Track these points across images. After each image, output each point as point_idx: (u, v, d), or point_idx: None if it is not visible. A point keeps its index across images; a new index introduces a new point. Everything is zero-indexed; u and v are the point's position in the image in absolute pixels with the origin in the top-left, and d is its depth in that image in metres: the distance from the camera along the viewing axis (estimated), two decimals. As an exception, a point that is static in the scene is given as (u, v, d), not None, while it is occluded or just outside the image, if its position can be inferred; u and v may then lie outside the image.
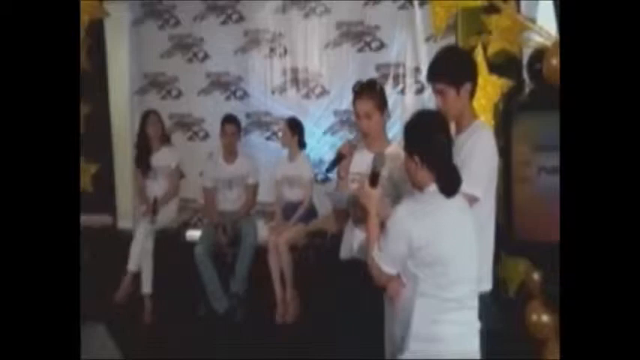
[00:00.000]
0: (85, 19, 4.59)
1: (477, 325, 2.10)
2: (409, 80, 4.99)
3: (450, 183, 2.05)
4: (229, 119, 4.48)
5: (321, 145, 5.25)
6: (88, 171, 4.85)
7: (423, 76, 4.96)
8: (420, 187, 2.10)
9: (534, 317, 3.05)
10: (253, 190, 4.57)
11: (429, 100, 4.91)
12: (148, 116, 4.63)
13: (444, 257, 2.03)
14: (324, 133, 5.24)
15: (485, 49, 3.51)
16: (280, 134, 4.81)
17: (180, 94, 5.63)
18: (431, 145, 2.07)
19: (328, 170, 2.97)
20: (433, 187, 2.06)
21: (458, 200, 2.10)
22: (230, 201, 4.50)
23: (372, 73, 5.06)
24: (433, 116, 2.22)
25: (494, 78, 3.50)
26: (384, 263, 2.10)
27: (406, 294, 2.08)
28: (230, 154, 4.50)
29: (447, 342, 2.03)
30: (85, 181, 4.83)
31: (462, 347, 2.05)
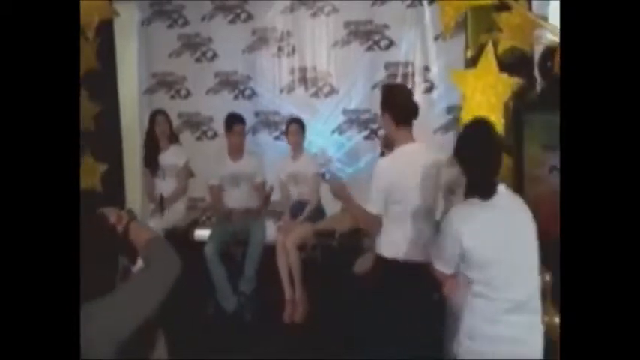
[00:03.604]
0: (94, 19, 4.59)
1: (539, 327, 2.12)
2: (418, 79, 4.98)
3: (484, 186, 2.11)
4: (237, 119, 4.45)
5: (329, 144, 5.24)
6: (97, 170, 4.85)
7: (432, 74, 4.95)
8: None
9: (546, 318, 3.02)
10: (263, 188, 4.56)
11: (438, 99, 4.90)
12: (156, 115, 4.62)
13: (495, 259, 2.06)
14: (333, 132, 5.24)
15: (495, 46, 3.48)
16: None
17: (188, 93, 5.64)
18: (475, 152, 2.16)
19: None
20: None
21: (510, 203, 2.15)
22: (236, 199, 4.49)
23: (380, 72, 5.06)
24: (481, 126, 2.28)
25: (504, 76, 3.47)
26: (439, 263, 2.19)
27: (461, 294, 2.13)
28: (237, 152, 4.49)
29: (506, 342, 2.04)
30: (95, 181, 4.83)
31: (522, 349, 2.06)
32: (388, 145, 3.15)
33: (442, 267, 2.20)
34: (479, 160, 2.14)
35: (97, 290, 1.51)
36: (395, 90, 3.06)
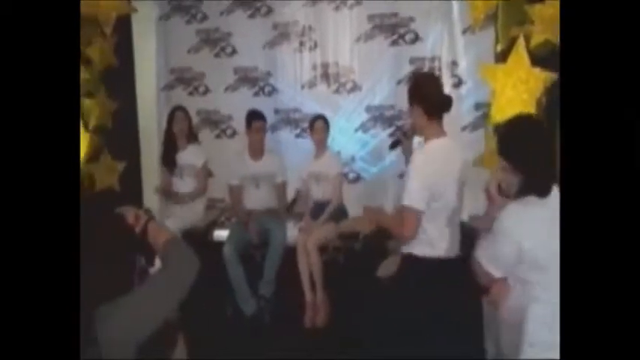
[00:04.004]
0: (112, 15, 4.55)
1: None
2: (445, 74, 4.82)
3: (540, 183, 2.04)
4: (257, 116, 4.36)
5: (353, 143, 5.10)
6: (115, 169, 4.81)
7: (459, 69, 4.79)
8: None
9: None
10: (284, 188, 4.47)
11: (466, 94, 4.73)
12: (175, 113, 4.53)
13: (554, 260, 1.95)
14: (356, 130, 5.10)
15: (527, 40, 3.36)
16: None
17: (207, 90, 5.53)
18: (523, 149, 2.07)
19: (390, 149, 3.31)
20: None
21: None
22: (257, 199, 4.39)
23: (405, 67, 4.91)
24: (529, 121, 2.22)
25: (537, 71, 3.38)
26: (490, 265, 2.09)
27: (516, 298, 2.06)
28: (257, 151, 4.39)
29: None
30: (113, 179, 4.79)
31: None
32: (407, 135, 3.02)
33: (493, 269, 2.09)
34: (534, 156, 2.04)
35: (115, 291, 1.51)
36: (426, 80, 2.89)
